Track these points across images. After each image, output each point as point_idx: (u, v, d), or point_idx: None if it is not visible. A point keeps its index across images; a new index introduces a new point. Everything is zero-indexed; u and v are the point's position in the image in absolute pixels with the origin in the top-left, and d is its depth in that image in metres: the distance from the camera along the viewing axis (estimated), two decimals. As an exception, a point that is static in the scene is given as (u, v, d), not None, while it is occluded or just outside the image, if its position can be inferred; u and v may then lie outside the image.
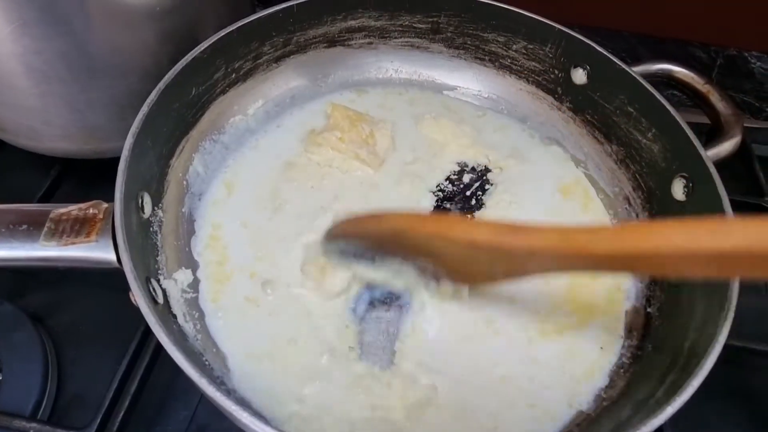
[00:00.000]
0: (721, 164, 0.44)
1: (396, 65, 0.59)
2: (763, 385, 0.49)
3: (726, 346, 0.44)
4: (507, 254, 0.30)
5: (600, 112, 0.52)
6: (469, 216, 0.47)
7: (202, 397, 0.46)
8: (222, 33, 0.47)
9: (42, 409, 0.43)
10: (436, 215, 0.34)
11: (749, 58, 0.84)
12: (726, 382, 0.49)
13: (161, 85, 0.42)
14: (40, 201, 0.53)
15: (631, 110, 0.49)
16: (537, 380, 0.39)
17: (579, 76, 0.52)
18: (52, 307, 0.49)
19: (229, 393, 0.36)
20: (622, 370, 0.40)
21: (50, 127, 0.49)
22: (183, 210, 0.46)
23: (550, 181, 0.51)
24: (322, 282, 0.41)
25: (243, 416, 0.28)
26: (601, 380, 0.40)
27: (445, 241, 0.31)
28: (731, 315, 0.33)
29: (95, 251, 0.36)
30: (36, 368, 0.44)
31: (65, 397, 0.44)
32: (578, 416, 0.38)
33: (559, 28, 0.51)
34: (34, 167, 0.55)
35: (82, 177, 0.57)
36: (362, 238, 0.36)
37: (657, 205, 0.47)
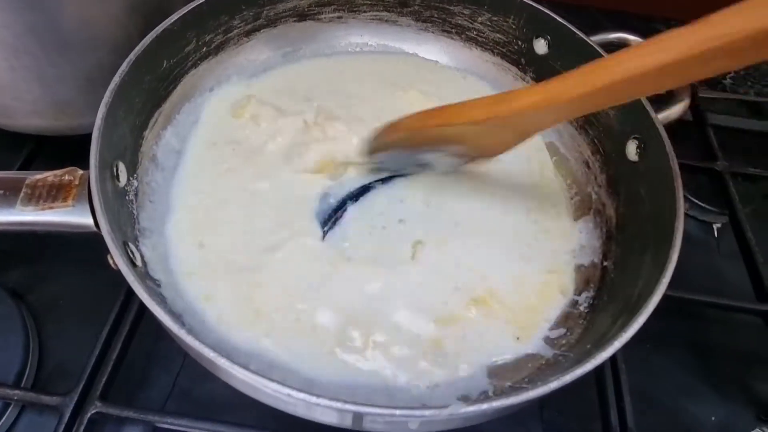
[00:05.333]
0: (675, 129, 0.47)
1: (365, 39, 0.60)
2: (716, 335, 0.53)
3: (679, 299, 0.48)
4: (504, 121, 0.37)
5: (561, 82, 0.54)
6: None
7: (184, 363, 0.47)
8: (191, 5, 0.48)
9: (25, 378, 0.44)
10: (437, 110, 0.40)
11: (708, 32, 0.88)
12: (681, 334, 0.52)
13: (132, 56, 0.43)
14: (13, 177, 0.53)
15: (590, 78, 0.51)
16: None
17: (540, 46, 0.54)
18: (31, 282, 0.49)
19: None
20: (580, 320, 0.43)
21: (21, 103, 0.49)
22: (157, 181, 0.47)
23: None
24: None
25: (221, 362, 0.29)
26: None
27: (454, 127, 0.38)
28: (674, 261, 0.36)
29: (72, 215, 0.37)
30: (16, 341, 0.45)
31: (47, 367, 0.45)
32: (537, 360, 0.40)
33: (520, 0, 0.53)
34: (6, 145, 0.55)
35: (55, 155, 0.56)
36: (396, 144, 0.43)
37: (613, 166, 0.49)
